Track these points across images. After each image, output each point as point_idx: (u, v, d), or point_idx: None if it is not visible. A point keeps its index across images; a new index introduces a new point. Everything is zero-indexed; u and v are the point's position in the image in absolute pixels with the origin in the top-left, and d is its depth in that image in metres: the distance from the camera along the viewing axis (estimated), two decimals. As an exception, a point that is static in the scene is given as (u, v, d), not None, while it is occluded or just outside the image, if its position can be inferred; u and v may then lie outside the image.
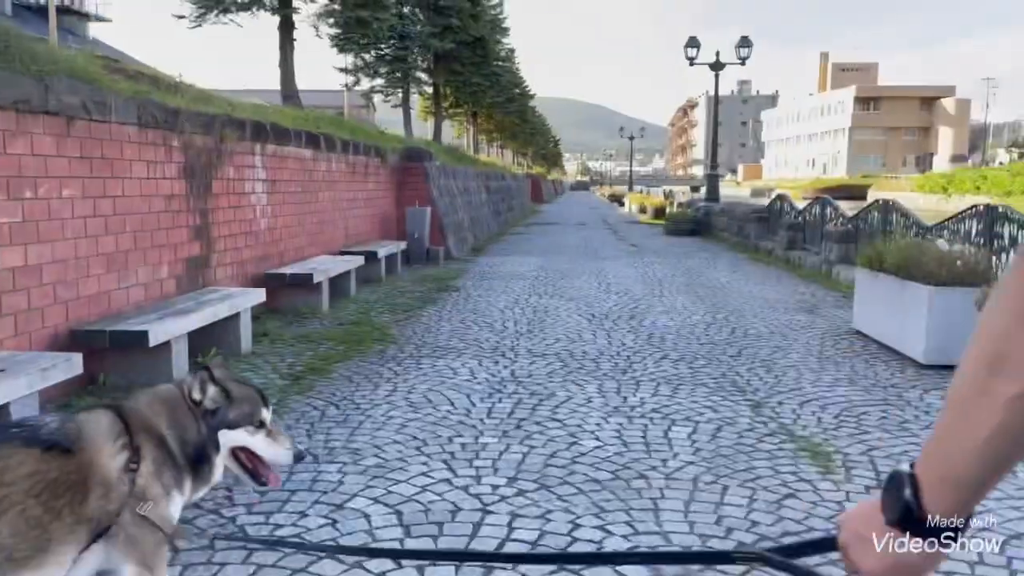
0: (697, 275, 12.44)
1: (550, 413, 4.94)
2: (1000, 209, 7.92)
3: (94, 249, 5.62)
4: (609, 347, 6.97)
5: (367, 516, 3.43)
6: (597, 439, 4.47)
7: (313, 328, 7.69)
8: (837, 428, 4.72)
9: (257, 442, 2.28)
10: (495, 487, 3.76)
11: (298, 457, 2.33)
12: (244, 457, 2.29)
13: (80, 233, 5.46)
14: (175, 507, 2.16)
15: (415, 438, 4.47)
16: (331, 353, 6.59)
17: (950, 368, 6.10)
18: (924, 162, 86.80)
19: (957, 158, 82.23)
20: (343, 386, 5.59)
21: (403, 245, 13.03)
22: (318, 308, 8.50)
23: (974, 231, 8.34)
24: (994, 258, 7.51)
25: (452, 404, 5.15)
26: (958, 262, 6.26)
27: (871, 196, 55.14)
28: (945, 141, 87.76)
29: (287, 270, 8.59)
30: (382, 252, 11.56)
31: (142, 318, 5.54)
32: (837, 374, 6.05)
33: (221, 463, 2.27)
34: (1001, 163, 71.89)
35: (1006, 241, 7.71)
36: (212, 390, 2.22)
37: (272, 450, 2.29)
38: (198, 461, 2.19)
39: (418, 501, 3.59)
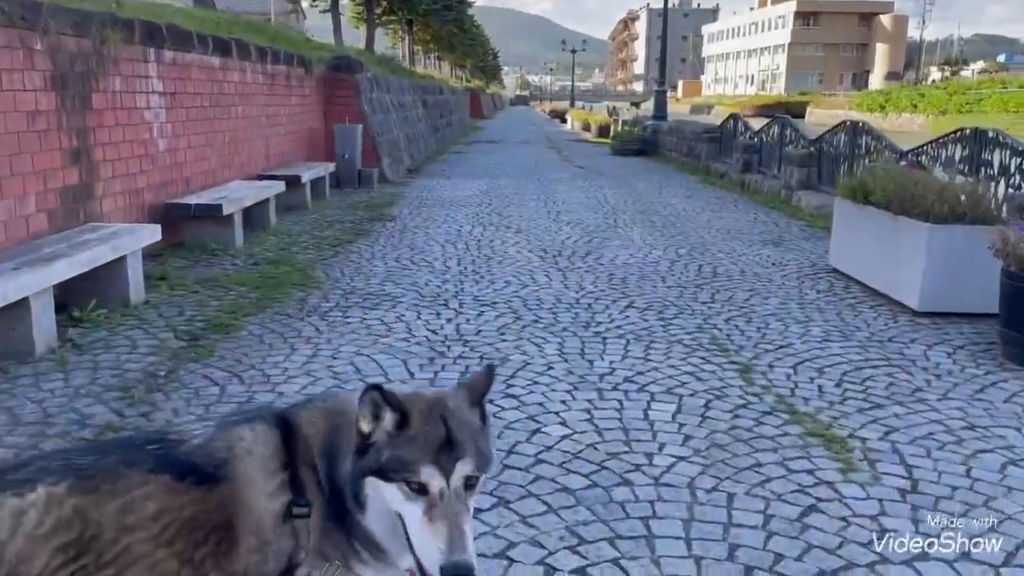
0: (650, 201, 11.62)
1: (504, 386, 4.08)
2: (991, 134, 7.20)
3: (-75, 181, 4.44)
4: (566, 291, 6.12)
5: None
6: (564, 424, 3.64)
7: (222, 269, 6.61)
8: (843, 401, 3.99)
9: (408, 514, 1.36)
10: (440, 503, 2.91)
11: (452, 573, 1.30)
12: None
13: (-99, 161, 4.27)
14: None
15: (338, 427, 3.56)
16: (241, 303, 5.58)
17: (948, 316, 5.45)
18: (860, 80, 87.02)
19: (892, 75, 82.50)
20: (252, 349, 4.62)
21: (332, 167, 11.78)
22: (230, 244, 7.37)
23: (958, 157, 7.64)
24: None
25: (386, 374, 4.24)
26: (962, 196, 5.52)
27: (809, 114, 55.41)
28: (881, 58, 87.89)
29: (192, 200, 7.39)
30: (307, 175, 10.35)
31: (-7, 268, 4.42)
32: (825, 325, 5.33)
33: (380, 528, 1.42)
34: (934, 81, 72.46)
35: (995, 169, 7.02)
36: (390, 417, 1.39)
37: (420, 538, 1.34)
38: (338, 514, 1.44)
39: (338, 531, 2.71)
